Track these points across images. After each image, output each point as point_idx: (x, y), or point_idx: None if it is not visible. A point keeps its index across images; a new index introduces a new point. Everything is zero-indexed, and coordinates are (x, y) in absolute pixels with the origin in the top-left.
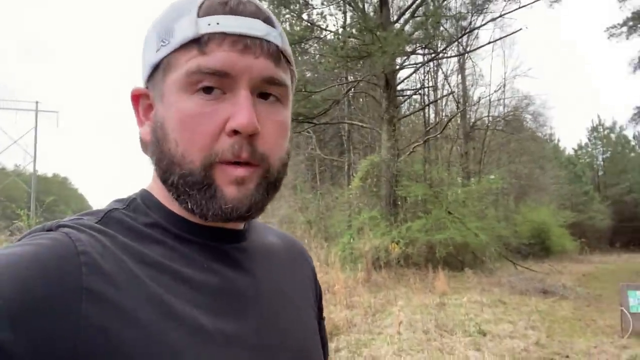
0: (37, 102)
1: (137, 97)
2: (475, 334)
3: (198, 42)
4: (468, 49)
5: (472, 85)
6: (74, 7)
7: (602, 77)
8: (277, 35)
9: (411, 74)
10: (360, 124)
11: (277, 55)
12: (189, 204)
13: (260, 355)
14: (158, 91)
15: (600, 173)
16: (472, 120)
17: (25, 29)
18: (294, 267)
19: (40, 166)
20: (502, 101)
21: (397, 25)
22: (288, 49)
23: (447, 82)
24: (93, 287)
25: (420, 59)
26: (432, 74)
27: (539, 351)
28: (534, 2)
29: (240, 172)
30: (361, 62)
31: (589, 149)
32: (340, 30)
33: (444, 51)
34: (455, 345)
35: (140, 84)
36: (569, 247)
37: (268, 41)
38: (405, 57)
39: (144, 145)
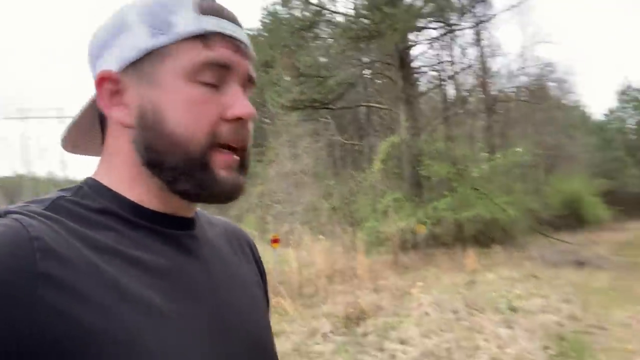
0: (59, 109)
1: (103, 81)
2: (506, 311)
3: (202, 37)
4: (483, 19)
5: (490, 57)
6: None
7: (630, 37)
8: (250, 45)
9: (426, 50)
10: (378, 105)
11: (253, 59)
12: (187, 185)
13: (216, 336)
14: (149, 77)
15: (632, 137)
16: (494, 92)
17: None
18: (240, 253)
19: (72, 171)
20: (523, 70)
21: (407, 0)
22: (254, 57)
23: (464, 55)
24: (48, 271)
25: (434, 33)
26: (449, 49)
27: (573, 324)
28: None
29: (230, 159)
30: (373, 42)
31: (619, 113)
32: (350, 10)
33: (458, 23)
34: (485, 324)
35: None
36: (603, 216)
37: (249, 47)
38: (418, 33)
39: (79, 132)
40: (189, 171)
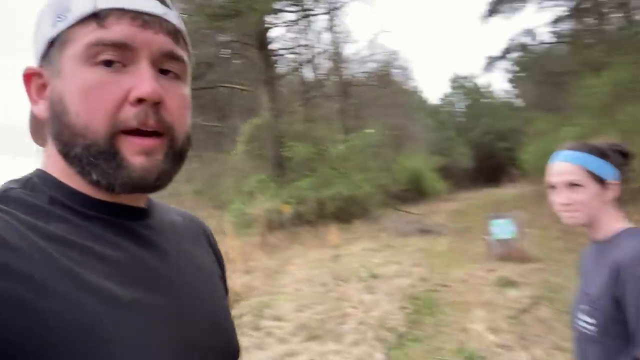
0: None
1: (29, 77)
2: (368, 278)
3: (97, 17)
4: (335, 6)
5: (343, 43)
6: None
7: (462, 28)
8: (174, 16)
9: (283, 33)
10: (239, 86)
11: (175, 33)
12: (94, 176)
13: (177, 322)
14: (55, 67)
15: (461, 119)
16: (347, 77)
17: None
18: (198, 242)
19: None
20: (372, 57)
21: None
22: (185, 31)
23: (319, 40)
24: (2, 261)
25: (291, 17)
26: (305, 33)
27: (424, 285)
28: None
29: (147, 142)
30: (231, 22)
31: (450, 98)
32: None
33: (313, 8)
34: (351, 292)
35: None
36: (439, 188)
37: (166, 20)
38: (276, 16)
39: (36, 124)
40: (94, 161)
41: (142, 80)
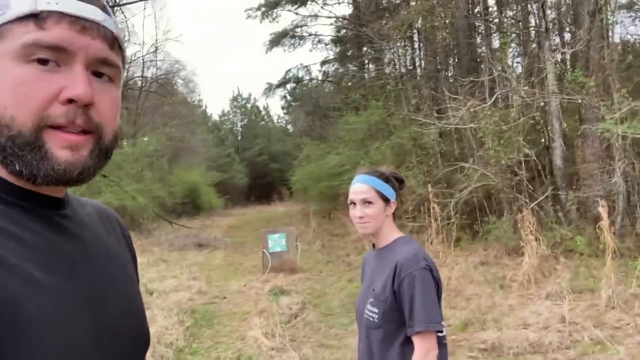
0: None
1: None
2: (143, 294)
3: (36, 17)
4: (118, 1)
5: (125, 42)
6: None
7: (248, 50)
8: (112, 23)
9: None
10: None
11: (112, 40)
12: (17, 166)
13: (93, 306)
14: None
15: (239, 138)
16: (125, 79)
17: None
18: (112, 232)
19: None
20: (155, 63)
21: None
22: (121, 37)
23: None
24: None
25: None
26: None
27: (202, 298)
28: None
29: (74, 138)
30: None
31: (231, 116)
32: None
33: None
34: None
35: None
36: (215, 204)
37: (104, 27)
38: None
39: None
40: (18, 152)
41: (75, 81)
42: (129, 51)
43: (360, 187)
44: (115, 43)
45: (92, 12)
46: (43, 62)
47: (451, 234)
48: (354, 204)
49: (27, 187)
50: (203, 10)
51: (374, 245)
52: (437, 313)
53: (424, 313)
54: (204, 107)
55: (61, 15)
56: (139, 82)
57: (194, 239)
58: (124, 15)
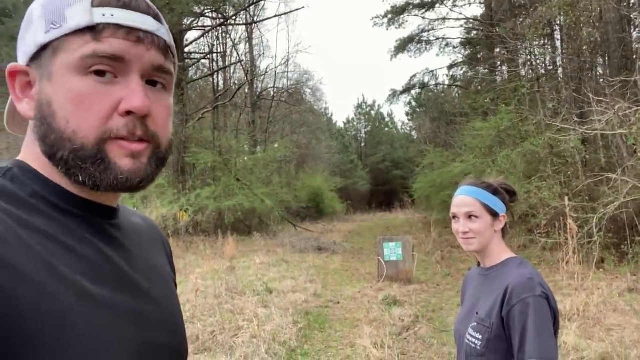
0: None
1: (14, 74)
2: (263, 292)
3: (92, 30)
4: (256, 19)
5: (259, 56)
6: None
7: (372, 58)
8: (165, 32)
9: (200, 37)
10: None
11: (165, 49)
12: (80, 177)
13: (137, 319)
14: (45, 71)
15: (363, 144)
16: (259, 90)
17: None
18: (156, 246)
19: None
20: (286, 74)
21: None
22: (173, 45)
23: (235, 50)
24: None
25: (209, 23)
26: (222, 40)
27: (316, 301)
28: None
29: (135, 146)
30: None
31: (355, 123)
32: None
33: (233, 18)
34: (246, 305)
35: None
36: (337, 209)
37: (158, 36)
38: (194, 19)
39: (14, 115)
40: (82, 165)
41: (133, 93)
42: (264, 63)
43: (463, 199)
44: (168, 51)
45: (146, 23)
46: (100, 73)
47: (592, 253)
48: (457, 217)
49: (83, 195)
50: (330, 20)
51: (479, 263)
52: (552, 348)
53: (537, 346)
54: (329, 115)
55: (117, 27)
56: (272, 93)
57: (314, 242)
58: (260, 32)
